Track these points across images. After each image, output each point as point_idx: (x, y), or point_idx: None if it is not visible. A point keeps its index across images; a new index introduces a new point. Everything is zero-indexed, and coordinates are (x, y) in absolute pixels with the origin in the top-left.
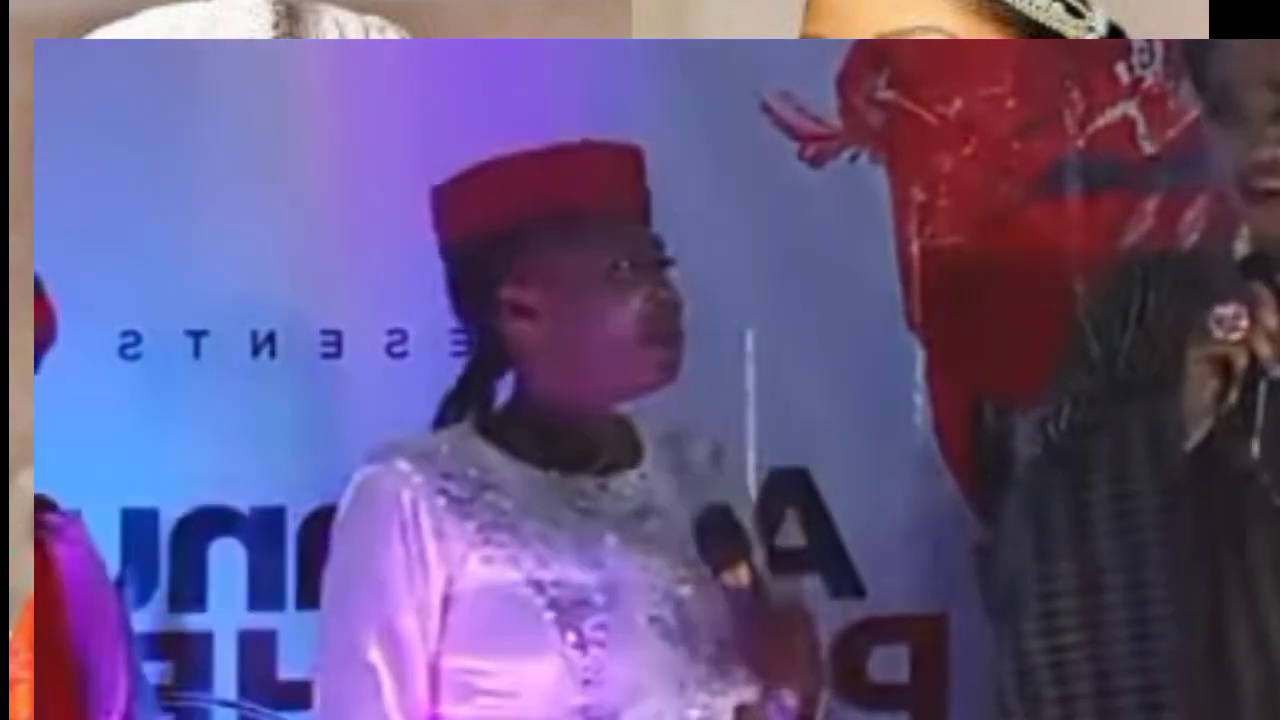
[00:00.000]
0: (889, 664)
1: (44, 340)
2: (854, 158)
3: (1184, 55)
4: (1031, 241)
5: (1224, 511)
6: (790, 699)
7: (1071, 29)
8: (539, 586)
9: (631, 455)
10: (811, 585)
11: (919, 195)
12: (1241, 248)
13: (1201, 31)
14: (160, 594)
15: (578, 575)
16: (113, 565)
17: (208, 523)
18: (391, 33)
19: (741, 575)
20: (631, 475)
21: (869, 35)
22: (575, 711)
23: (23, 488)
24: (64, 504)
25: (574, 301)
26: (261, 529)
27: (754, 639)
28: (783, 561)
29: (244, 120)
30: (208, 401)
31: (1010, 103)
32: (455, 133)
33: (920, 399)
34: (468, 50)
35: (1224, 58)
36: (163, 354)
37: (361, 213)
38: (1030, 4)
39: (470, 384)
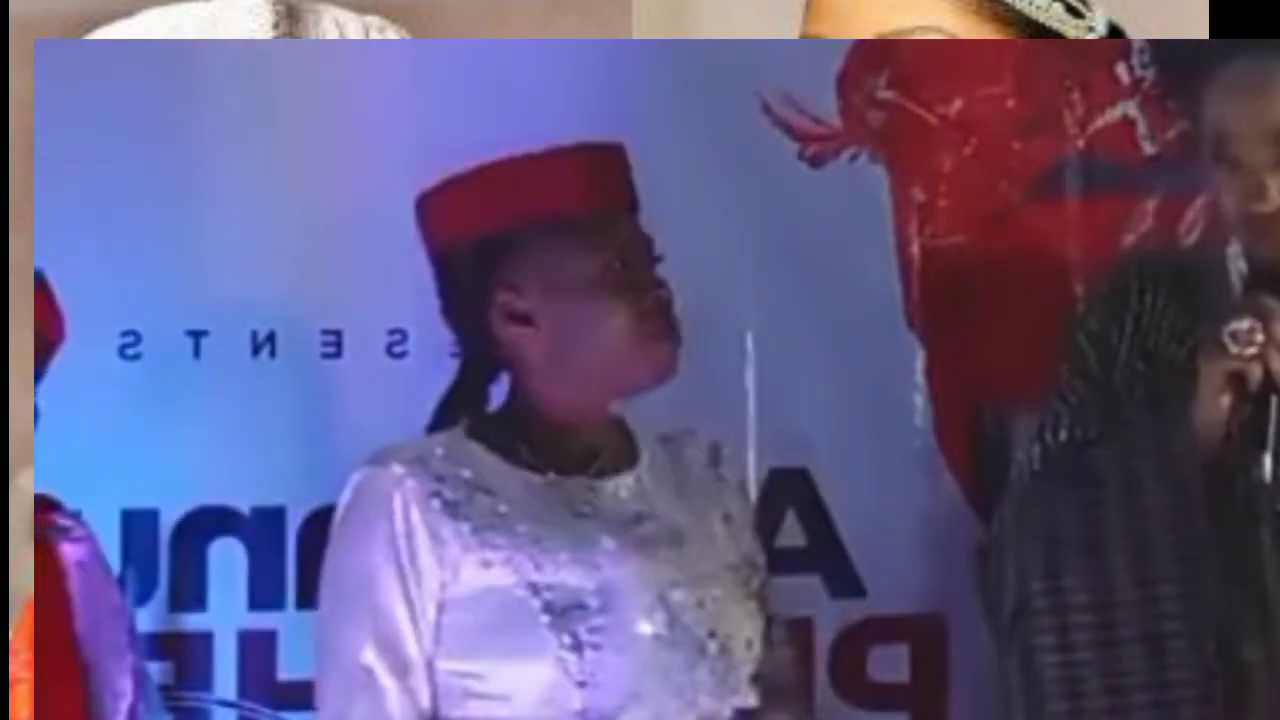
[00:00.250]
0: (889, 664)
1: (52, 342)
2: (854, 158)
3: (1178, 99)
4: (1031, 241)
5: (1236, 526)
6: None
7: (1071, 29)
8: (534, 589)
9: (628, 458)
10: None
11: (919, 195)
12: (1236, 251)
13: (1201, 31)
14: (160, 594)
15: (573, 578)
16: (113, 565)
17: (208, 523)
18: (391, 33)
19: None
20: (628, 478)
21: (869, 35)
22: (571, 715)
23: (23, 488)
24: (64, 504)
25: (568, 305)
26: (261, 529)
27: None
28: (783, 561)
29: (244, 120)
30: (208, 401)
31: (1010, 103)
32: (456, 133)
33: (920, 399)
34: (468, 50)
35: (1221, 110)
36: (163, 354)
37: (361, 213)
38: (1030, 4)
39: (463, 388)
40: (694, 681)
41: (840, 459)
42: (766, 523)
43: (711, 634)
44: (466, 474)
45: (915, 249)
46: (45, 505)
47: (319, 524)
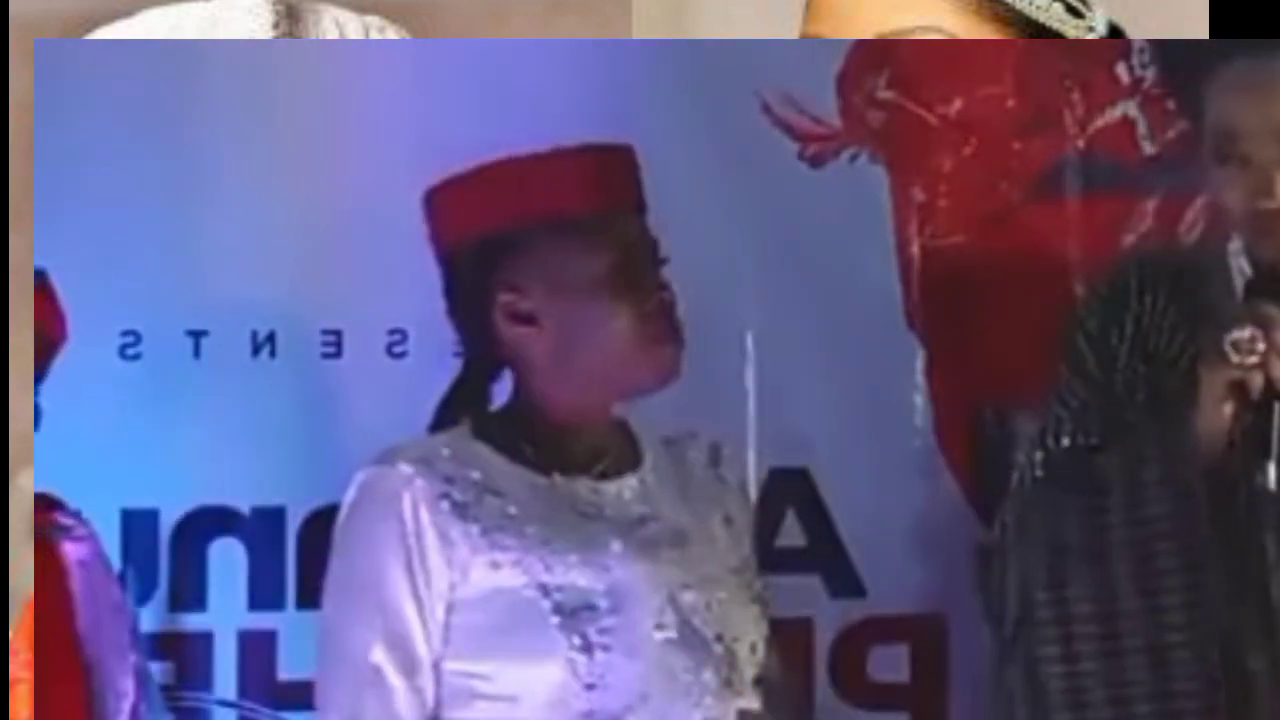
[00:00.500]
0: (889, 664)
1: (53, 342)
2: (854, 158)
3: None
4: (1031, 241)
5: (1240, 535)
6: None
7: (1071, 29)
8: (545, 590)
9: (631, 460)
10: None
11: (919, 195)
12: (1237, 249)
13: (1201, 31)
14: (160, 594)
15: (583, 580)
16: (114, 565)
17: (208, 523)
18: (391, 33)
19: None
20: (631, 480)
21: (869, 35)
22: (577, 716)
23: (23, 488)
24: (65, 503)
25: (572, 305)
26: (261, 529)
27: None
28: (783, 561)
29: (244, 120)
30: (208, 401)
31: (1010, 103)
32: (455, 133)
33: (920, 399)
34: (468, 50)
35: (1228, 107)
36: (163, 354)
37: (361, 213)
38: (1030, 4)
39: (466, 387)
40: (701, 683)
41: (840, 459)
42: (766, 523)
43: (719, 636)
44: (475, 475)
45: (915, 249)
46: (46, 504)
47: (319, 524)
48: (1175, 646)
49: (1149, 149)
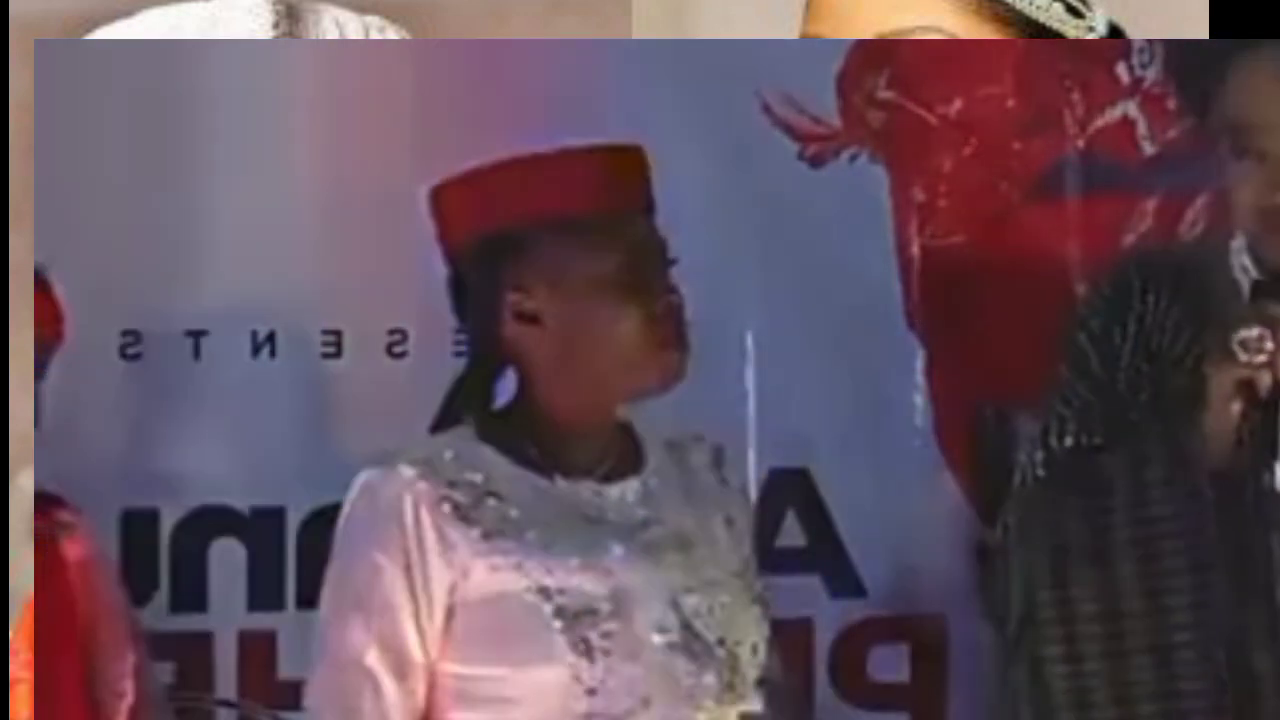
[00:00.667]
0: (889, 664)
1: (52, 342)
2: (854, 158)
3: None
4: (1031, 242)
5: (1246, 535)
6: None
7: (1071, 29)
8: (546, 594)
9: (634, 462)
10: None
11: (919, 195)
12: (1240, 247)
13: (1201, 31)
14: (160, 594)
15: (585, 584)
16: (114, 565)
17: (208, 523)
18: (391, 33)
19: None
20: (634, 482)
21: (869, 35)
22: (580, 719)
23: (23, 488)
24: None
25: (578, 308)
26: (261, 529)
27: None
28: (783, 561)
29: (244, 120)
30: (208, 401)
31: (1010, 103)
32: (455, 133)
33: (920, 399)
34: (468, 50)
35: (1245, 101)
36: (163, 354)
37: (361, 213)
38: (1030, 4)
39: (470, 386)
40: (702, 687)
41: (840, 459)
42: (766, 523)
43: (720, 640)
44: (477, 478)
45: (915, 249)
46: (46, 503)
47: (319, 524)
48: (1181, 647)
49: (1149, 149)
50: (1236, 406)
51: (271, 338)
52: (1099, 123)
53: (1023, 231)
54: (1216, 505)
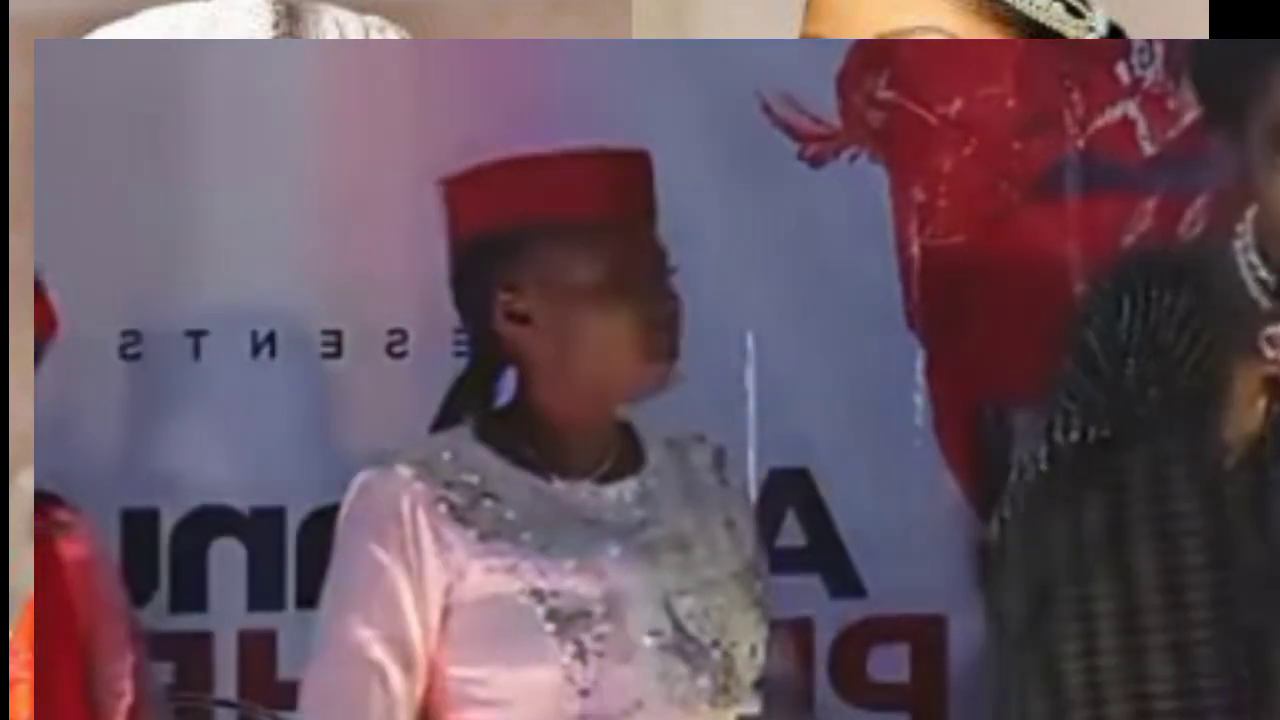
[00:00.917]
0: (889, 664)
1: (43, 337)
2: (854, 158)
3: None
4: (1031, 241)
5: (1267, 531)
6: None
7: (1071, 29)
8: (539, 597)
9: (634, 462)
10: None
11: (919, 195)
12: (1244, 246)
13: (1201, 31)
14: (160, 594)
15: (578, 586)
16: (114, 565)
17: (208, 523)
18: (391, 33)
19: None
20: (633, 482)
21: (869, 35)
22: None
23: (23, 488)
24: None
25: (565, 311)
26: (261, 529)
27: None
28: (783, 561)
29: (244, 120)
30: (208, 401)
31: (1010, 103)
32: (455, 133)
33: (920, 399)
34: (468, 50)
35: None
36: (163, 354)
37: (361, 213)
38: (1030, 4)
39: (470, 385)
40: (697, 690)
41: (840, 459)
42: (766, 523)
43: (715, 643)
44: (473, 480)
45: (915, 249)
46: (46, 502)
47: (319, 524)
48: (1199, 643)
49: (1149, 149)
50: (1262, 403)
51: (271, 338)
52: (1099, 123)
53: (1023, 231)
54: (1238, 501)
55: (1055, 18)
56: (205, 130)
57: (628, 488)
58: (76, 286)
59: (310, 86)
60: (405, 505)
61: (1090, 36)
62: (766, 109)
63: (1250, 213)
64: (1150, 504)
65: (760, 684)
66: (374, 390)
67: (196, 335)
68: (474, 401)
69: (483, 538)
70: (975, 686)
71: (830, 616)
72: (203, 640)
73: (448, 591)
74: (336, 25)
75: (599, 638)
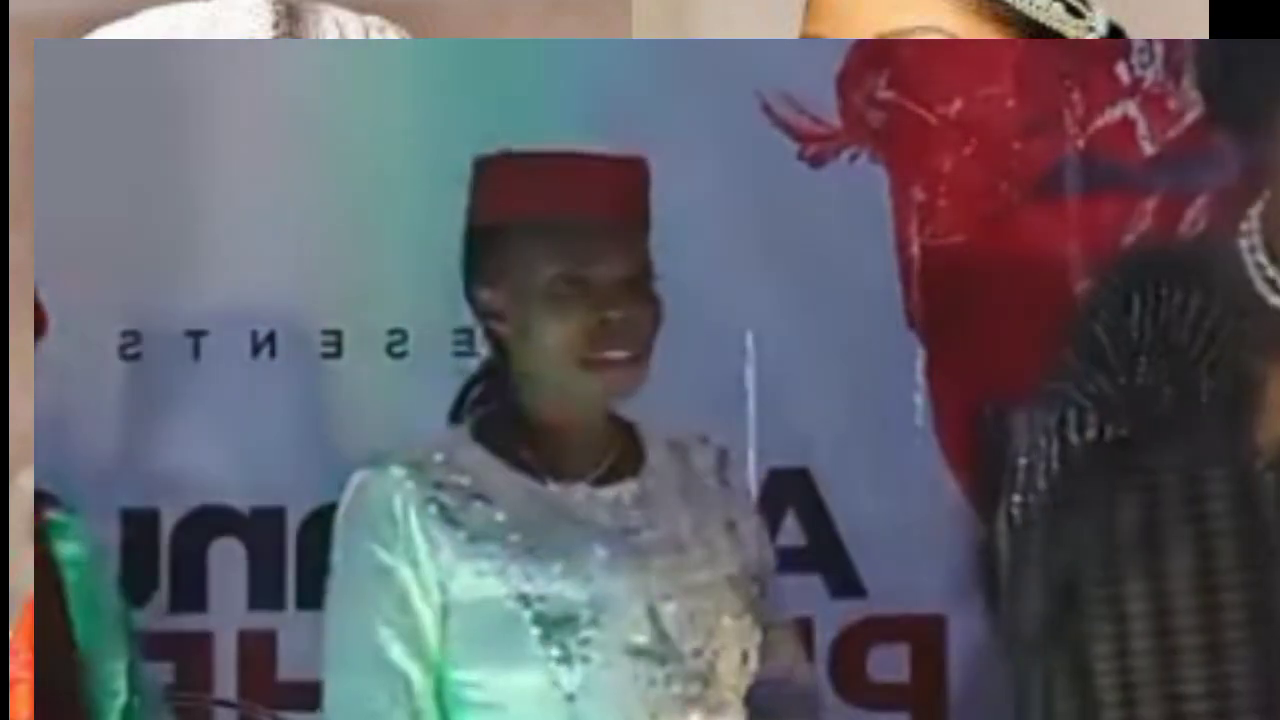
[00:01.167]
0: (889, 664)
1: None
2: (854, 158)
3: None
4: (1031, 241)
5: None
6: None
7: (1071, 29)
8: (526, 601)
9: (634, 463)
10: (811, 585)
11: (919, 195)
12: (1249, 245)
13: (1201, 31)
14: (160, 594)
15: (565, 590)
16: (113, 565)
17: (208, 523)
18: (391, 33)
19: None
20: (632, 484)
21: (869, 35)
22: None
23: (23, 488)
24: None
25: (523, 311)
26: (261, 529)
27: None
28: (783, 561)
29: (244, 120)
30: (208, 401)
31: (1010, 103)
32: (455, 133)
33: (920, 399)
34: (468, 50)
35: None
36: (162, 354)
37: (361, 213)
38: (1030, 4)
39: (474, 382)
40: (670, 697)
41: (840, 459)
42: (766, 523)
43: (696, 651)
44: (465, 481)
45: (915, 249)
46: (45, 503)
47: (319, 524)
48: (1233, 644)
49: (1149, 149)
50: None
51: (271, 338)
52: (1099, 123)
53: (1023, 231)
54: (1271, 503)
55: (1055, 18)
56: (205, 130)
57: (626, 490)
58: (76, 286)
59: (310, 86)
60: (397, 505)
61: (1090, 36)
62: (766, 109)
63: (1256, 211)
64: (1183, 505)
65: (756, 689)
66: (374, 390)
67: (196, 335)
68: (470, 402)
69: (472, 540)
70: (975, 686)
71: (830, 616)
72: (203, 640)
73: (442, 592)
74: (336, 25)
75: (584, 643)
